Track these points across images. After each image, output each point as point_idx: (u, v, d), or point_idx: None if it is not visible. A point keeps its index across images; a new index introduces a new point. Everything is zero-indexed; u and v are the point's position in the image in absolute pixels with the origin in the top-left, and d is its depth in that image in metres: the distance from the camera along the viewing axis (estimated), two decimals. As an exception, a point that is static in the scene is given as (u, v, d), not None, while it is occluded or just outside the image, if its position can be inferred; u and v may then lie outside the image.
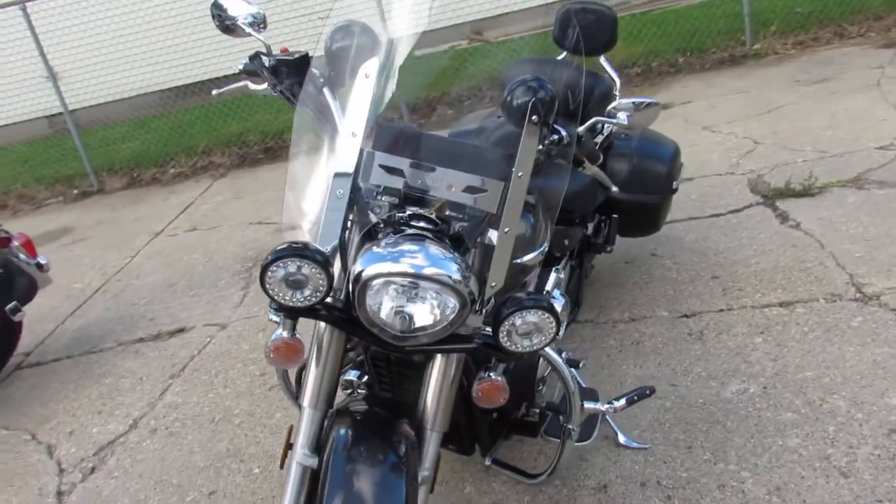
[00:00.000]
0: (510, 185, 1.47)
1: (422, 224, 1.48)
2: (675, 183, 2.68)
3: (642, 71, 6.47)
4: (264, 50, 1.76)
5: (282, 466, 1.60)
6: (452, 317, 1.41)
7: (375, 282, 1.37)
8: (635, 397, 1.92)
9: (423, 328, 1.43)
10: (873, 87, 4.90)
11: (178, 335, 3.58)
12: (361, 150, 1.48)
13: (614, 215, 2.67)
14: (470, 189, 1.48)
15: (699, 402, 2.31)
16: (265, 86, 1.79)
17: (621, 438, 2.19)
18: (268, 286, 1.37)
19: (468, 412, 1.84)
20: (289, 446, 1.59)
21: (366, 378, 1.94)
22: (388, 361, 1.80)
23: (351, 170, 1.47)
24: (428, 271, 1.36)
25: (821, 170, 3.72)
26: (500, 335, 1.42)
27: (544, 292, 2.24)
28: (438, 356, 1.57)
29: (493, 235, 1.50)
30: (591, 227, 2.56)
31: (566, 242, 2.33)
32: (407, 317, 1.41)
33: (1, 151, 8.72)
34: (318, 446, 1.53)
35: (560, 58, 3.03)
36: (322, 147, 1.56)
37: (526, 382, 2.02)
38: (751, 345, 2.53)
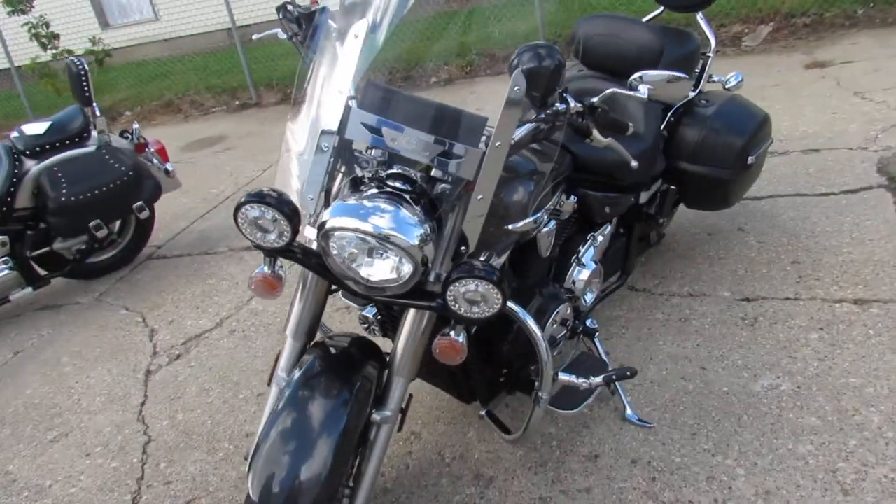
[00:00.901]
0: (486, 153, 1.48)
1: (398, 184, 1.54)
2: (750, 158, 2.49)
3: (811, 22, 5.83)
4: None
5: (269, 384, 1.80)
6: (406, 278, 1.49)
7: (336, 233, 1.47)
8: (614, 377, 1.89)
9: (384, 282, 1.52)
10: None
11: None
12: (347, 107, 1.56)
13: (672, 187, 2.55)
14: (446, 154, 1.52)
15: (723, 390, 2.23)
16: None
17: (628, 412, 2.18)
18: (240, 226, 1.51)
19: (465, 364, 1.92)
20: (275, 368, 1.79)
21: (380, 316, 2.08)
22: (387, 306, 1.92)
23: (335, 127, 1.56)
24: (385, 232, 1.44)
25: (970, 156, 3.26)
26: (448, 299, 1.48)
27: (574, 257, 2.24)
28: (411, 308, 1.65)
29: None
30: (645, 195, 2.46)
31: (607, 210, 2.28)
32: (365, 269, 1.50)
33: (184, 59, 9.60)
34: None
35: (652, 15, 2.87)
36: (318, 100, 1.65)
37: (531, 342, 2.06)
38: (803, 340, 2.36)
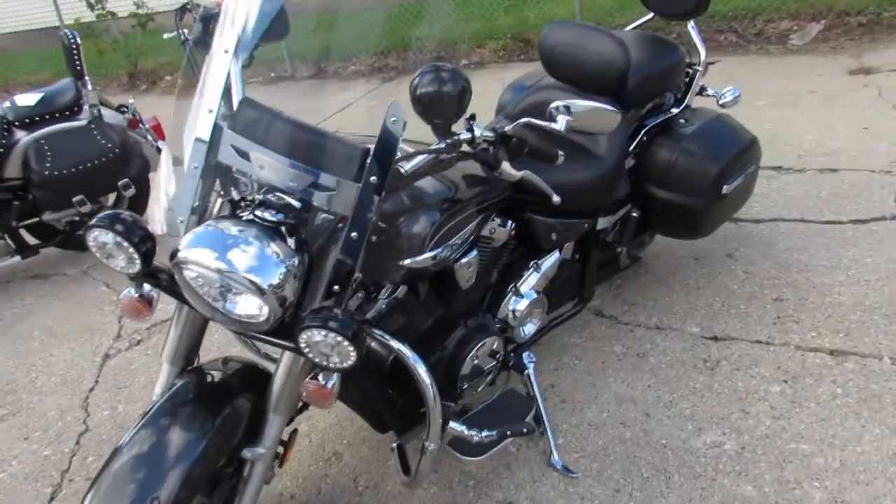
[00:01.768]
0: (360, 188, 1.35)
1: (269, 213, 1.42)
2: (726, 187, 2.26)
3: (867, 21, 5.38)
4: None
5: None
6: (262, 318, 1.37)
7: (189, 266, 1.37)
8: (508, 432, 1.75)
9: (247, 317, 1.41)
10: None
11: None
12: (219, 127, 1.44)
13: (635, 213, 2.34)
14: (318, 186, 1.39)
15: (661, 442, 2.05)
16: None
17: (554, 457, 2.03)
18: (93, 249, 1.42)
19: (380, 393, 1.81)
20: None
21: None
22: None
23: (205, 149, 1.44)
24: (237, 274, 1.32)
25: None
26: (301, 344, 1.36)
27: (511, 286, 2.09)
28: (288, 344, 1.54)
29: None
30: (604, 221, 2.27)
31: (554, 237, 2.11)
32: (219, 305, 1.39)
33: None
34: None
35: (640, 22, 2.64)
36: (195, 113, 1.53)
37: (448, 378, 1.92)
38: (762, 392, 2.16)
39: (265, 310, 1.36)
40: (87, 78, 3.65)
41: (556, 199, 1.78)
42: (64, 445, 2.47)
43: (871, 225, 2.90)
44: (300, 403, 1.76)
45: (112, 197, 3.93)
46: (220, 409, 1.53)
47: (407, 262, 1.60)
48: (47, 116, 3.55)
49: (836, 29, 5.40)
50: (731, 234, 3.01)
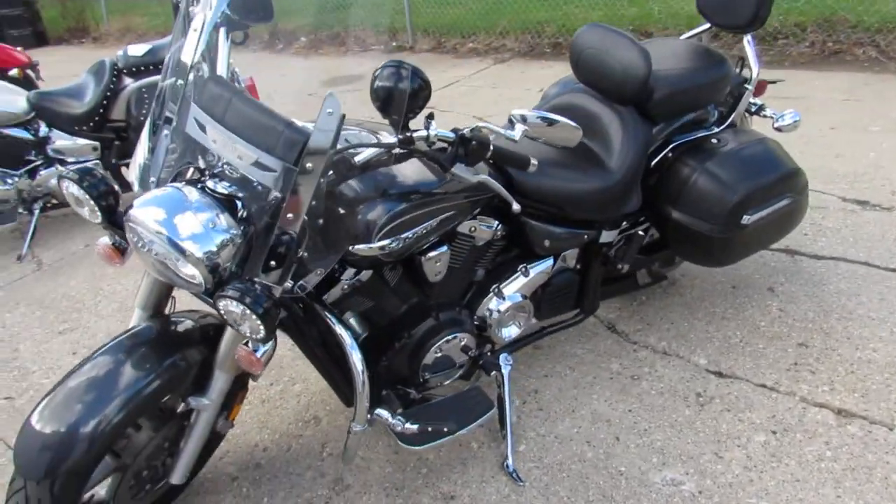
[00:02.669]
0: (297, 172, 1.41)
1: (221, 185, 1.52)
2: (746, 217, 2.11)
3: None
4: None
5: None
6: (197, 282, 1.47)
7: (137, 224, 1.49)
8: (429, 428, 1.75)
9: (189, 277, 1.52)
10: None
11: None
12: (186, 99, 1.55)
13: (640, 231, 2.24)
14: (261, 165, 1.46)
15: (619, 469, 1.99)
16: None
17: (508, 461, 2.03)
18: (67, 198, 1.58)
19: (336, 369, 1.89)
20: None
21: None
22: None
23: (174, 115, 1.56)
24: (177, 237, 1.43)
25: None
26: (221, 310, 1.44)
27: (494, 286, 2.09)
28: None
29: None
30: (609, 234, 2.19)
31: (547, 244, 2.08)
32: (161, 262, 1.50)
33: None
34: None
35: (695, 32, 2.50)
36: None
37: (409, 365, 1.96)
38: (744, 439, 2.03)
39: (197, 275, 1.47)
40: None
41: (515, 206, 1.75)
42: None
43: (941, 280, 2.61)
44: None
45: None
46: (171, 354, 1.66)
47: (354, 248, 1.65)
48: (152, 67, 3.88)
49: None
50: (781, 266, 2.81)
